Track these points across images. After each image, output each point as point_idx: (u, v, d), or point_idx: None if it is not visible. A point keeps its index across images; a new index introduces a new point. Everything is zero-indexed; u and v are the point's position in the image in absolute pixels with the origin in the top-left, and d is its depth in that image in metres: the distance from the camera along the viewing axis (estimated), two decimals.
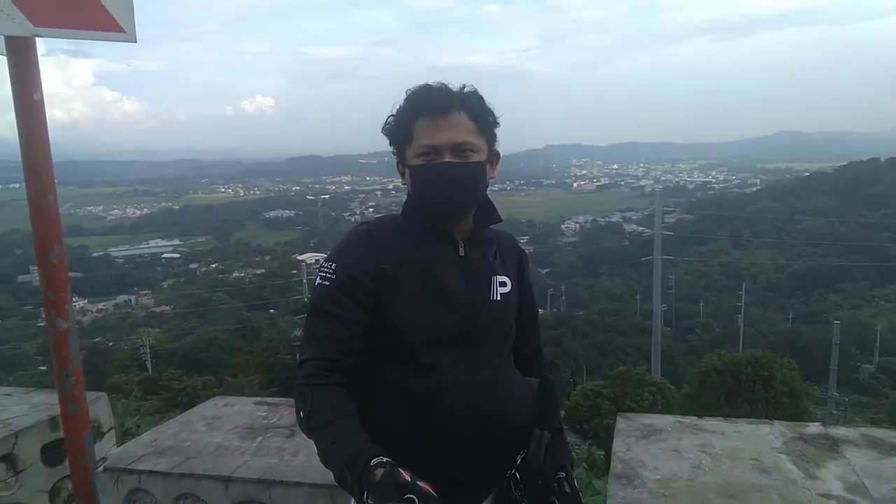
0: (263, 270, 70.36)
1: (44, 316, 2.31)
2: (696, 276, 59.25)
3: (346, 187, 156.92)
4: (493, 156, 1.47)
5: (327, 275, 1.39)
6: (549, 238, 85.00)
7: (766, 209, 77.39)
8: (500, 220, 1.49)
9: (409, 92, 1.41)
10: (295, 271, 55.08)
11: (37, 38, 2.10)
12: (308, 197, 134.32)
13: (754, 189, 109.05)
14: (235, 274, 70.55)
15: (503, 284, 1.47)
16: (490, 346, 1.43)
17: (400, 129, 1.43)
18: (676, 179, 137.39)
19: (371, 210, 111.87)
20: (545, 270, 62.80)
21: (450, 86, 1.42)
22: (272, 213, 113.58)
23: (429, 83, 1.42)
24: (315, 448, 1.29)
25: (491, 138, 1.45)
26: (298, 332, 22.95)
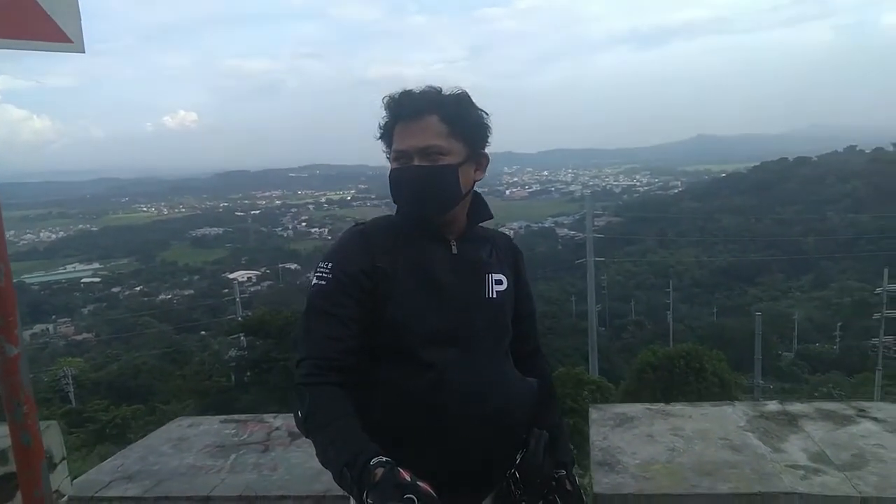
0: (192, 291, 67.87)
1: None
2: (627, 276, 61.40)
3: (277, 202, 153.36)
4: (478, 157, 1.48)
5: (323, 274, 1.39)
6: None
7: (688, 209, 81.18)
8: (491, 217, 1.52)
9: (387, 97, 1.44)
10: (226, 290, 53.37)
11: None
12: (237, 213, 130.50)
13: (676, 191, 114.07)
14: (162, 296, 67.64)
15: (499, 282, 1.49)
16: (487, 345, 1.44)
17: (385, 135, 1.46)
18: (604, 184, 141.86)
19: (304, 225, 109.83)
20: None
21: (435, 88, 1.43)
22: (199, 232, 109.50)
23: (412, 88, 1.43)
24: (295, 460, 1.28)
25: (472, 140, 1.45)
26: (233, 353, 22.24)
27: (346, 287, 1.37)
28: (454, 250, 1.45)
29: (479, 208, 1.51)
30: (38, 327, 59.61)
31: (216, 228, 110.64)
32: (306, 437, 1.31)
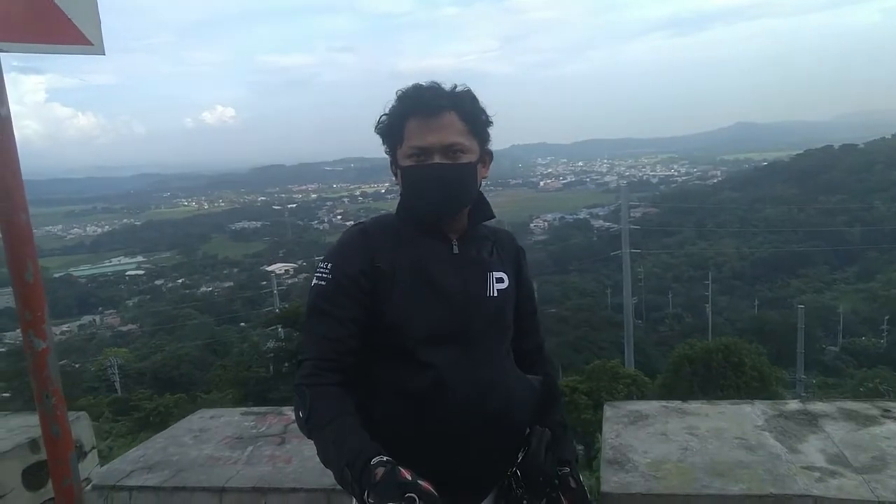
0: (232, 283, 69.18)
1: (21, 337, 2.26)
2: (664, 268, 60.31)
3: (313, 195, 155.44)
4: (486, 156, 1.48)
5: (323, 275, 1.40)
6: (519, 237, 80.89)
7: (728, 199, 79.31)
8: (493, 217, 1.51)
9: (399, 92, 1.41)
10: (264, 282, 54.31)
11: (1, 54, 2.05)
12: (274, 207, 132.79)
13: (715, 180, 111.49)
14: (203, 288, 69.24)
15: (500, 280, 1.47)
16: (488, 343, 1.43)
17: (391, 129, 1.43)
18: (640, 174, 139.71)
19: (339, 218, 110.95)
20: None
21: (442, 85, 1.41)
22: (238, 225, 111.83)
23: (420, 83, 1.41)
24: (309, 453, 1.28)
25: (483, 138, 1.45)
26: (271, 345, 22.68)
27: (346, 288, 1.37)
28: (455, 249, 1.45)
29: (482, 207, 1.49)
30: (85, 318, 61.80)
31: (254, 222, 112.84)
32: (308, 438, 1.32)
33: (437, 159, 1.37)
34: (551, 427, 1.47)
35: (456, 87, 1.42)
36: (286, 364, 19.74)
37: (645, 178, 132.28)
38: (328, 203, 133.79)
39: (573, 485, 1.45)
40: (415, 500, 1.10)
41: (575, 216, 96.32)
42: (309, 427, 1.30)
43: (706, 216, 71.62)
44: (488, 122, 1.45)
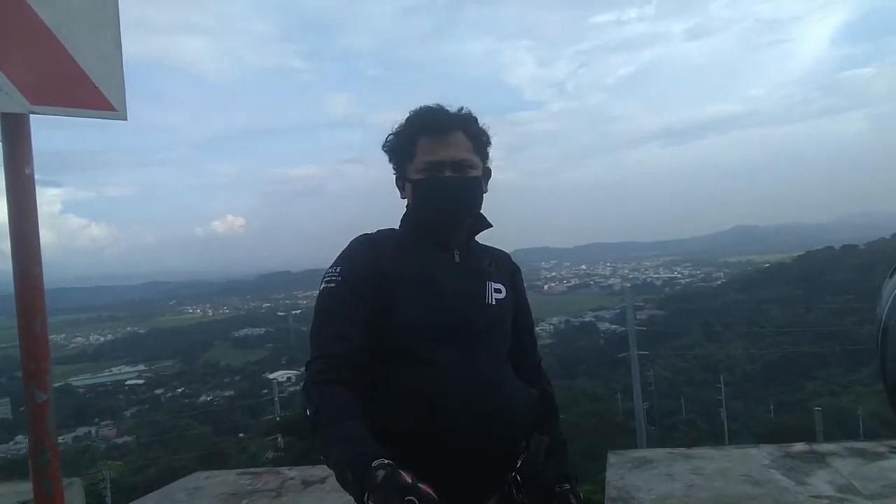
0: (232, 392, 67.89)
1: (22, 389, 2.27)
2: (675, 371, 59.05)
3: None
4: (486, 173, 1.59)
5: (332, 277, 1.46)
6: None
7: (733, 301, 79.00)
8: (491, 226, 1.59)
9: (411, 112, 1.53)
10: (265, 390, 53.39)
11: (31, 117, 2.22)
12: (279, 313, 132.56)
13: (719, 282, 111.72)
14: (203, 398, 67.86)
15: (498, 291, 1.54)
16: (488, 348, 1.48)
17: (402, 146, 1.55)
18: (643, 276, 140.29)
19: None
20: None
21: (446, 107, 1.55)
22: (241, 332, 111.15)
23: (429, 105, 1.55)
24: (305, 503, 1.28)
25: (484, 156, 1.57)
26: (270, 455, 21.93)
27: (355, 287, 1.43)
28: (457, 258, 1.53)
29: (480, 220, 1.58)
30: (80, 430, 60.05)
31: (258, 329, 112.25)
32: (314, 436, 1.33)
33: (447, 173, 1.48)
34: (551, 440, 1.47)
35: (462, 109, 1.55)
36: None
37: (648, 280, 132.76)
38: None
39: (574, 502, 1.42)
40: (415, 502, 1.10)
41: (580, 319, 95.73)
42: (315, 425, 1.32)
43: (713, 317, 71.11)
44: (489, 143, 1.58)
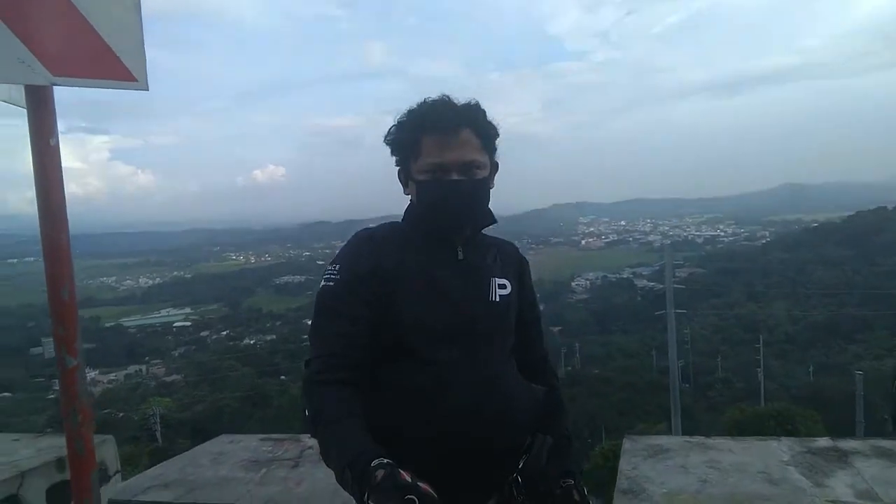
0: (274, 336, 70.20)
1: (55, 356, 2.36)
2: (713, 330, 58.40)
3: None
4: (494, 167, 1.53)
5: (331, 275, 1.43)
6: (560, 296, 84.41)
7: (778, 261, 77.01)
8: (496, 222, 1.53)
9: (414, 106, 1.45)
10: (305, 336, 54.87)
11: (55, 88, 2.23)
12: (318, 262, 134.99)
13: (764, 241, 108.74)
14: (246, 341, 70.40)
15: (502, 286, 1.50)
16: (490, 346, 1.44)
17: (406, 143, 1.47)
18: (685, 234, 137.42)
19: None
20: (557, 328, 62.18)
21: (453, 99, 1.46)
22: (283, 279, 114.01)
23: (433, 98, 1.46)
24: (321, 475, 1.28)
25: (492, 151, 1.50)
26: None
27: (354, 286, 1.40)
28: (460, 255, 1.48)
29: (485, 214, 1.53)
30: (132, 368, 63.24)
31: (298, 276, 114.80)
32: (313, 437, 1.33)
33: (453, 176, 1.42)
34: (556, 438, 1.44)
35: (470, 101, 1.46)
36: None
37: (690, 237, 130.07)
38: None
39: (577, 497, 1.41)
40: (414, 501, 1.09)
41: (618, 275, 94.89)
42: (314, 424, 1.32)
43: (755, 277, 69.61)
44: (497, 135, 1.50)
